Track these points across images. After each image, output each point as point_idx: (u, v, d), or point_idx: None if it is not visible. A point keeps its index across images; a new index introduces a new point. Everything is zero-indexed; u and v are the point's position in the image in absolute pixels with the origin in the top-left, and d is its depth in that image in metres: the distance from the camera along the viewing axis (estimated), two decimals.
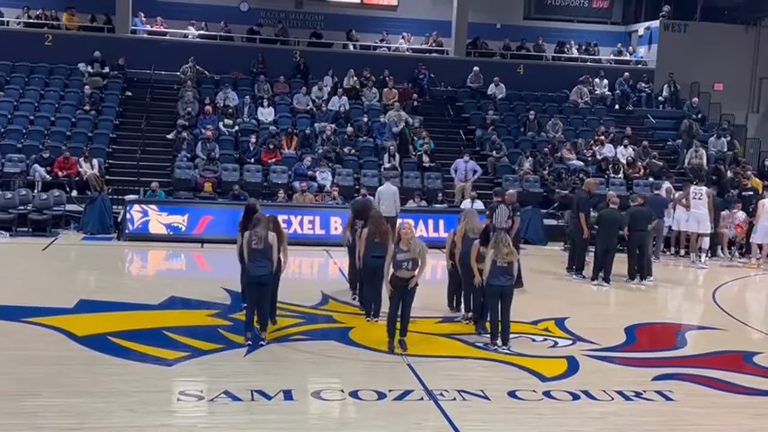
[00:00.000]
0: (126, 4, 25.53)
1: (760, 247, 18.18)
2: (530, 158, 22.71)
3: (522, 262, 10.86)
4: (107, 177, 20.21)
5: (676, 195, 18.56)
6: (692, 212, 17.77)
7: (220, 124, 22.36)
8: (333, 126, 22.59)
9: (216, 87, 24.36)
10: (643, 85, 27.88)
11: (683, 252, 18.66)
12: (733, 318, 12.72)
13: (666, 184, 19.83)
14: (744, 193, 21.10)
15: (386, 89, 25.11)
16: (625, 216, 15.01)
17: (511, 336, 10.26)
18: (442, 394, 8.16)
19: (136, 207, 17.71)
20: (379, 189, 17.13)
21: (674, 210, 18.19)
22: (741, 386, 9.00)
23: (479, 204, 18.21)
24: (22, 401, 7.47)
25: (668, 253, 18.74)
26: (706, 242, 18.00)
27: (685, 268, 17.60)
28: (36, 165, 19.38)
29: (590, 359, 9.76)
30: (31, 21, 25.75)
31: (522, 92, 26.84)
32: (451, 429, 7.34)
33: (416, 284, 9.69)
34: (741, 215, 19.21)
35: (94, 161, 19.84)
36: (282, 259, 10.49)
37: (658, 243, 18.02)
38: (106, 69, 24.23)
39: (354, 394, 8.09)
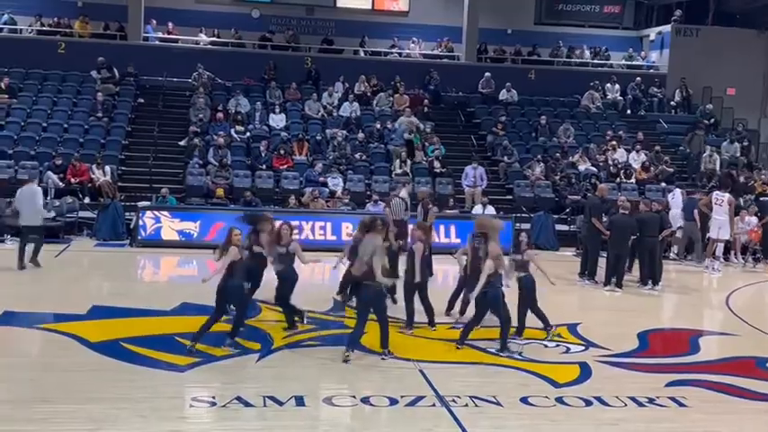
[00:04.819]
0: (138, 11, 25.68)
1: None
2: (541, 164, 22.66)
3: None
4: (119, 184, 20.29)
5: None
6: (714, 218, 17.71)
7: (232, 131, 22.43)
8: (344, 132, 22.63)
9: (227, 94, 24.45)
10: (655, 89, 27.80)
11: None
12: (746, 323, 12.65)
13: (678, 190, 19.75)
14: (762, 199, 20.97)
15: (397, 95, 25.13)
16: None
17: (523, 342, 10.32)
18: (454, 400, 8.13)
19: (148, 213, 17.79)
20: None
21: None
22: (754, 392, 8.95)
23: (491, 210, 18.20)
24: (35, 407, 7.49)
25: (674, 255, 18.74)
26: (720, 248, 17.92)
27: (699, 273, 17.52)
28: (49, 172, 19.45)
29: (603, 365, 9.71)
30: (44, 28, 25.93)
31: (533, 97, 26.82)
32: None
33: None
34: (753, 220, 19.12)
35: (107, 168, 19.91)
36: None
37: (698, 247, 18.17)
38: (114, 74, 24.21)
39: (366, 400, 8.08)
